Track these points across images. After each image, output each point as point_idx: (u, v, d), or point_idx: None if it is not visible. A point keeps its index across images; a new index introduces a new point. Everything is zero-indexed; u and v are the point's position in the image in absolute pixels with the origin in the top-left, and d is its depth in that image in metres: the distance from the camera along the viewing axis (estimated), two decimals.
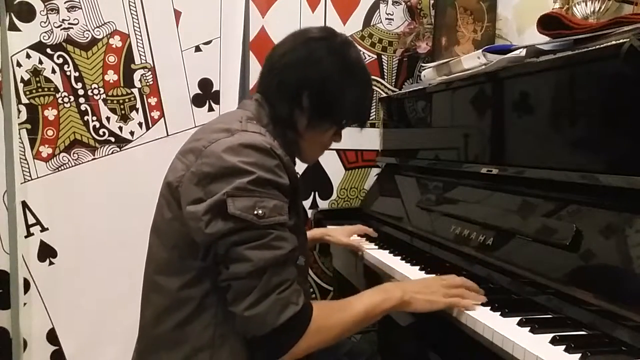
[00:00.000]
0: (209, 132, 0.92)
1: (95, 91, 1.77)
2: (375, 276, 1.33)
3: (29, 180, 1.74)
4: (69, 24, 1.72)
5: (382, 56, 2.05)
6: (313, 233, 1.50)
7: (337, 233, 1.51)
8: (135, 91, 1.81)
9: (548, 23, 1.20)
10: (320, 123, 1.01)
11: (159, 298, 0.91)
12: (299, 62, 0.98)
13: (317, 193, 2.02)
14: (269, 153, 0.86)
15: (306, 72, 0.97)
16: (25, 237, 1.75)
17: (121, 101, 1.80)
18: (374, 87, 2.04)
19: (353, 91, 1.00)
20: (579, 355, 0.72)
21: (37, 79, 1.72)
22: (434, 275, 1.13)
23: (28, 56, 1.70)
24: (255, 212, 0.82)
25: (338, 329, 0.89)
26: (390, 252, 1.36)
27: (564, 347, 0.74)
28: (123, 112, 1.80)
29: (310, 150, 1.07)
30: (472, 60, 1.26)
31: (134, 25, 1.78)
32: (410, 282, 1.10)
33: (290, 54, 0.99)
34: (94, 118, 1.78)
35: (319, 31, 1.02)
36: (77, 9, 1.73)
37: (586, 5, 1.24)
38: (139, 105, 1.81)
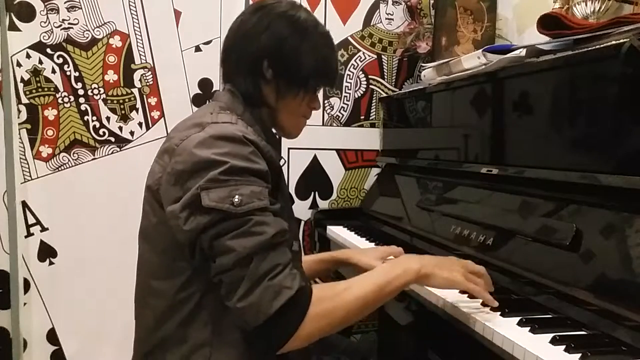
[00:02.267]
0: (181, 130, 0.91)
1: (95, 91, 1.77)
2: None
3: (29, 180, 1.73)
4: (69, 24, 1.72)
5: (382, 56, 2.05)
6: (335, 254, 1.32)
7: (365, 256, 1.25)
8: (135, 91, 1.81)
9: (548, 23, 1.20)
10: (288, 89, 0.98)
11: (158, 302, 0.91)
12: (250, 33, 0.97)
13: (317, 193, 2.02)
14: (241, 141, 0.85)
15: (259, 40, 0.96)
16: (25, 237, 1.75)
17: (121, 101, 1.80)
18: (374, 87, 2.04)
19: (309, 50, 0.98)
20: (579, 355, 0.72)
21: (37, 79, 1.71)
22: None
23: (28, 56, 1.70)
24: (231, 201, 0.80)
25: (344, 312, 0.83)
26: None
27: (564, 347, 0.74)
28: (123, 112, 1.80)
29: (290, 123, 1.04)
30: (472, 60, 1.26)
31: (134, 25, 1.78)
32: (428, 256, 1.02)
33: (241, 27, 0.99)
34: (94, 118, 1.77)
35: (268, 1, 1.00)
36: (77, 9, 1.73)
37: (586, 5, 1.24)
38: (139, 105, 1.81)
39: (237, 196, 0.80)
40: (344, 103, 2.01)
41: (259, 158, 0.86)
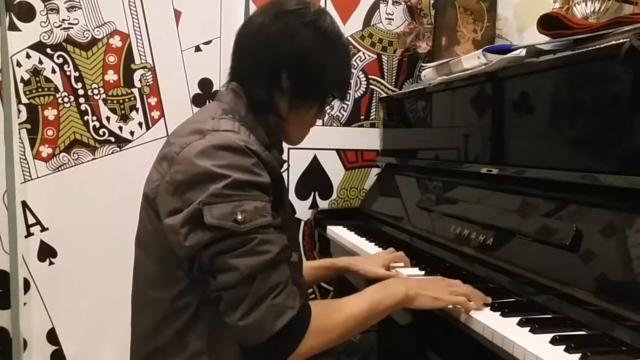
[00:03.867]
0: (181, 135, 0.88)
1: (95, 91, 1.77)
2: None
3: (29, 180, 1.73)
4: (69, 23, 1.72)
5: (382, 56, 2.05)
6: (335, 262, 1.31)
7: (366, 263, 1.23)
8: (135, 91, 1.81)
9: (548, 23, 1.20)
10: (303, 102, 0.95)
11: (154, 310, 0.89)
12: (272, 39, 0.91)
13: (317, 193, 2.02)
14: (243, 152, 0.82)
15: (281, 50, 0.91)
16: (25, 237, 1.75)
17: (121, 101, 1.80)
18: (374, 87, 2.04)
19: (333, 63, 0.95)
20: (579, 355, 0.72)
21: (37, 78, 1.71)
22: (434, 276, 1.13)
23: (28, 56, 1.70)
24: (235, 218, 0.78)
25: (339, 330, 0.85)
26: None
27: (564, 347, 0.74)
28: (123, 112, 1.80)
29: (296, 132, 1.02)
30: (472, 60, 1.26)
31: (134, 25, 1.78)
32: (414, 278, 1.07)
33: (262, 31, 0.92)
34: (94, 118, 1.77)
35: (291, 3, 0.94)
36: (77, 8, 1.73)
37: (586, 5, 1.24)
38: (139, 105, 1.81)
39: (240, 213, 0.79)
40: (344, 103, 2.01)
41: (262, 170, 0.84)
